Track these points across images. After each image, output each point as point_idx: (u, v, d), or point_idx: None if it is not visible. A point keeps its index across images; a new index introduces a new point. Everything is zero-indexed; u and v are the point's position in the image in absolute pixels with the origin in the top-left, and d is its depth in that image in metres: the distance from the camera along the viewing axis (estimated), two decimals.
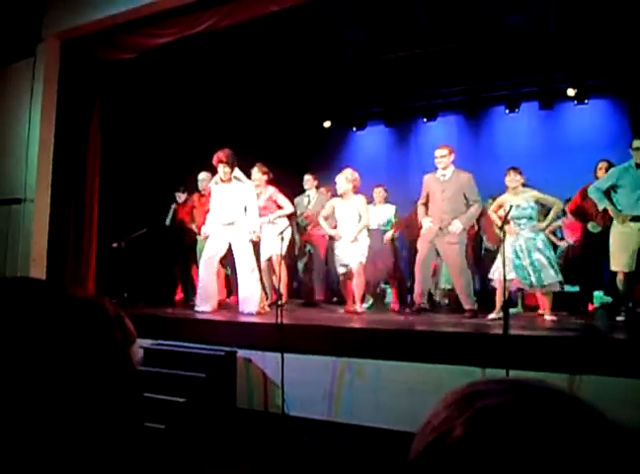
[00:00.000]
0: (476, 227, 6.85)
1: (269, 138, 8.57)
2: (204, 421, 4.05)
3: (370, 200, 6.66)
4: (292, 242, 6.62)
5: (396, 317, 5.64)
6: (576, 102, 8.28)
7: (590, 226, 5.54)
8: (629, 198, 4.82)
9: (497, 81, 8.39)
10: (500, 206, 5.28)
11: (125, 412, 0.56)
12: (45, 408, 0.49)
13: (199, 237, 6.54)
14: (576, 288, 5.96)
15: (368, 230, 5.99)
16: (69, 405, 0.51)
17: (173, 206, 7.40)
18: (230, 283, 6.98)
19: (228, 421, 4.20)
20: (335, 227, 5.95)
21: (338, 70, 7.90)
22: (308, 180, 7.01)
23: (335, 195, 6.14)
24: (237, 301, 5.80)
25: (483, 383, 0.46)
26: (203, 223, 6.00)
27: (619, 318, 4.89)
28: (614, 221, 4.92)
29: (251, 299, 5.43)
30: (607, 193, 4.96)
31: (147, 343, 4.64)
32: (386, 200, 7.01)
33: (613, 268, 4.89)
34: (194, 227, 6.92)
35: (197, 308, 5.51)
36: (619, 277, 4.85)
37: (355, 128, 10.11)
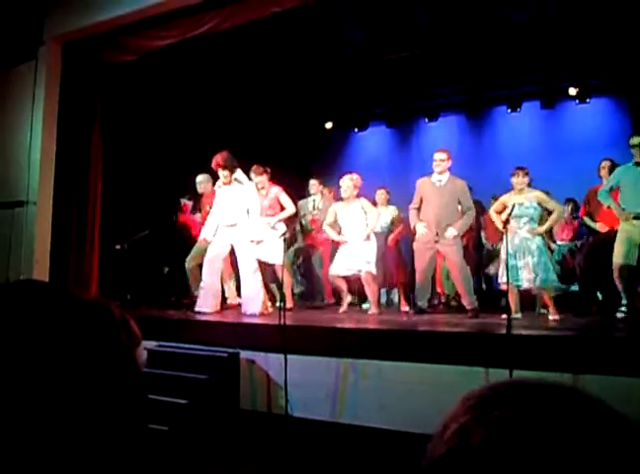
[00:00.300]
0: (475, 225, 6.83)
1: (271, 140, 8.57)
2: (208, 422, 4.04)
3: (373, 203, 6.67)
4: (292, 244, 6.59)
5: (399, 318, 5.64)
6: (577, 101, 8.26)
7: (598, 226, 5.56)
8: (632, 197, 4.89)
9: (498, 80, 8.37)
10: (503, 205, 5.27)
11: (130, 413, 0.56)
12: (51, 409, 0.50)
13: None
14: (576, 288, 5.94)
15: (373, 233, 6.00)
16: (75, 406, 0.51)
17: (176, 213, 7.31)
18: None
19: (231, 422, 4.20)
20: (339, 233, 5.97)
21: (339, 71, 7.90)
22: (314, 184, 7.05)
23: (337, 197, 6.14)
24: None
25: (499, 385, 0.44)
26: (201, 225, 6.02)
27: (619, 315, 4.89)
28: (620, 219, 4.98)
29: (254, 300, 5.43)
30: (616, 193, 5.04)
31: (151, 345, 4.64)
32: (389, 202, 7.01)
33: (613, 260, 4.90)
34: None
35: (197, 309, 5.50)
36: (615, 273, 4.84)
37: (356, 129, 10.10)
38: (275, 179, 6.32)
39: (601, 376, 3.25)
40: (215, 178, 5.97)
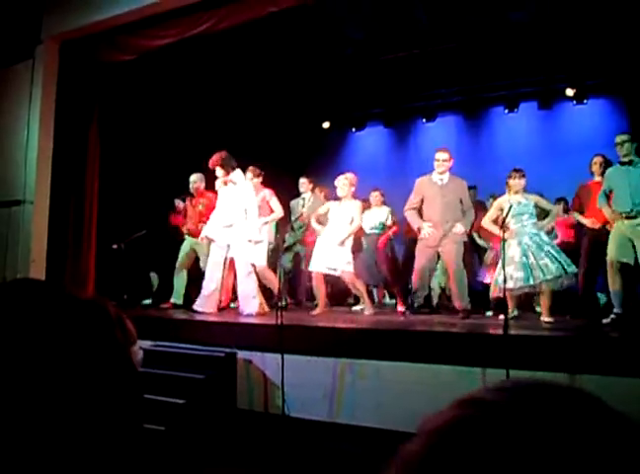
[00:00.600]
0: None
1: (268, 140, 8.57)
2: (205, 422, 4.04)
3: (368, 204, 6.68)
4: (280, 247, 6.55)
5: (396, 318, 5.63)
6: (575, 102, 8.28)
7: (589, 222, 5.49)
8: (621, 196, 4.84)
9: (496, 81, 8.39)
10: (499, 210, 5.18)
11: (126, 413, 0.56)
12: (46, 408, 0.49)
13: (187, 238, 6.46)
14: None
15: (364, 234, 5.96)
16: (70, 405, 0.51)
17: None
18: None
19: (228, 422, 4.20)
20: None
21: (337, 71, 7.90)
22: (303, 183, 7.01)
23: (329, 196, 6.10)
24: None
25: (497, 385, 0.44)
26: (195, 224, 6.03)
27: (605, 320, 4.74)
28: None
29: (250, 300, 5.44)
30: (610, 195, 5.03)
31: (147, 344, 4.64)
32: (383, 204, 6.96)
33: (607, 256, 4.85)
34: (184, 229, 6.57)
35: (195, 308, 5.52)
36: (609, 270, 4.80)
37: (354, 129, 10.11)
38: (272, 178, 6.32)
39: (598, 376, 3.26)
40: (210, 178, 5.98)
